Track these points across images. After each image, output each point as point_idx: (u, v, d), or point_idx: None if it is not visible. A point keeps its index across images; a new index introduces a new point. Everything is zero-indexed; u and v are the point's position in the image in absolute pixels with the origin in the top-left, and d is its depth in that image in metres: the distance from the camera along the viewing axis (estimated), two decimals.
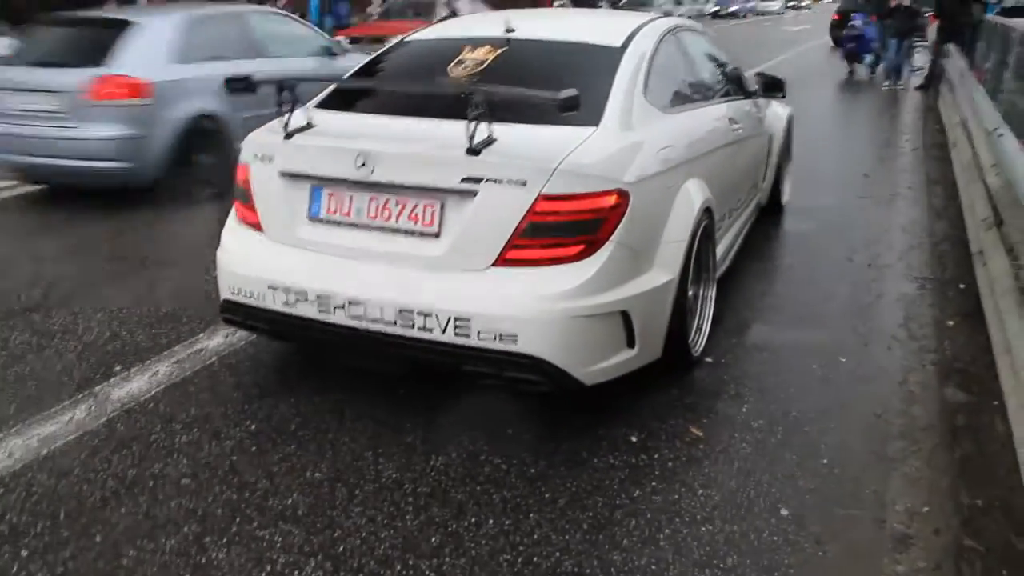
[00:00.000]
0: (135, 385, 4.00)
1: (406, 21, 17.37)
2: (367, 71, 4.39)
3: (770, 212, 6.57)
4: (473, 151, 3.18)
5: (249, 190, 3.70)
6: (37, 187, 7.90)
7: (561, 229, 3.19)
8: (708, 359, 4.11)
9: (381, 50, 4.64)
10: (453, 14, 16.95)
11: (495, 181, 3.17)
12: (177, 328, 4.65)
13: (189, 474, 3.26)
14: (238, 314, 3.74)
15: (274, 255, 3.59)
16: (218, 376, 4.07)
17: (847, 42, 17.48)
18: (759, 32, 34.21)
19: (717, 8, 45.39)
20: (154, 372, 4.13)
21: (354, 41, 16.10)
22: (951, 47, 13.69)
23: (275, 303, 3.52)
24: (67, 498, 3.13)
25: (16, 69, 7.26)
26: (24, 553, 2.84)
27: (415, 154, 3.33)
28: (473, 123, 3.17)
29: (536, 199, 3.14)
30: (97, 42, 7.16)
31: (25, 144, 6.99)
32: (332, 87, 4.14)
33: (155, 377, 4.07)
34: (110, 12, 9.42)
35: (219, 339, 4.47)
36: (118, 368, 4.19)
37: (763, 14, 54.39)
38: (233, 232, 3.84)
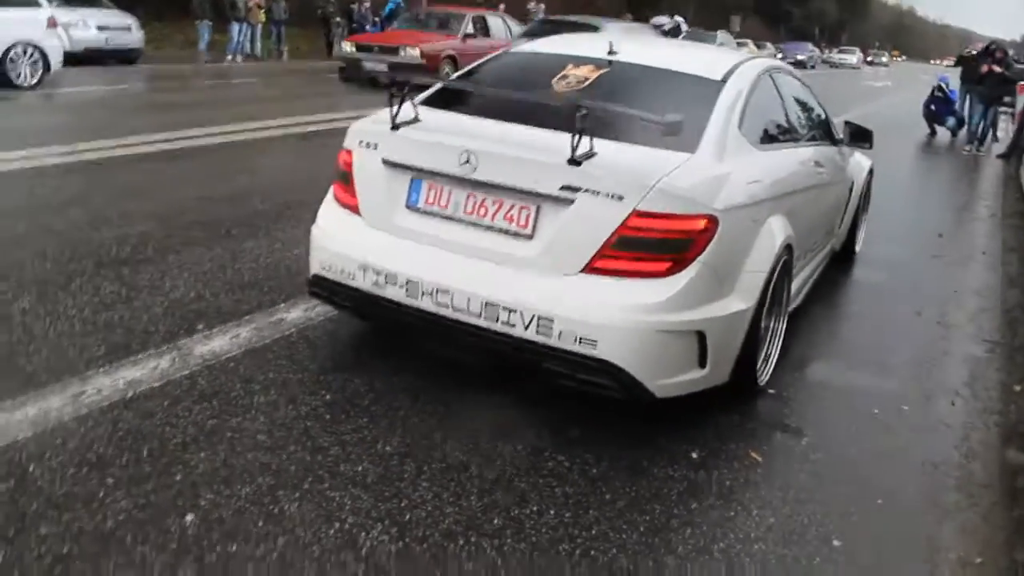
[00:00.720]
0: (217, 344, 4.20)
1: (420, 32, 18.03)
2: (472, 75, 4.58)
3: (842, 259, 6.63)
4: (575, 161, 3.34)
5: (351, 173, 3.89)
6: (127, 152, 8.23)
7: (650, 245, 3.32)
8: (771, 390, 4.20)
9: (486, 57, 4.82)
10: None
11: (593, 192, 3.31)
12: (258, 297, 4.86)
13: (265, 432, 3.44)
14: (325, 289, 3.93)
15: (369, 238, 3.77)
16: (296, 346, 4.25)
17: (931, 103, 17.37)
18: (838, 84, 34.01)
19: (781, 56, 44.79)
20: (235, 335, 4.33)
21: (362, 49, 16.91)
22: None
23: (364, 283, 3.70)
24: (150, 438, 3.33)
25: None
26: (110, 481, 3.03)
27: (518, 158, 3.49)
28: (577, 135, 3.32)
29: (630, 214, 3.29)
30: None
31: None
32: (438, 86, 4.33)
33: (236, 339, 4.27)
34: None
35: (298, 312, 4.66)
36: (201, 326, 4.40)
37: (837, 66, 54.09)
38: (330, 211, 4.03)
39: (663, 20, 31.83)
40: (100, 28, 16.68)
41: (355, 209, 3.86)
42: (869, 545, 3.08)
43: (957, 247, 8.05)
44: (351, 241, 3.80)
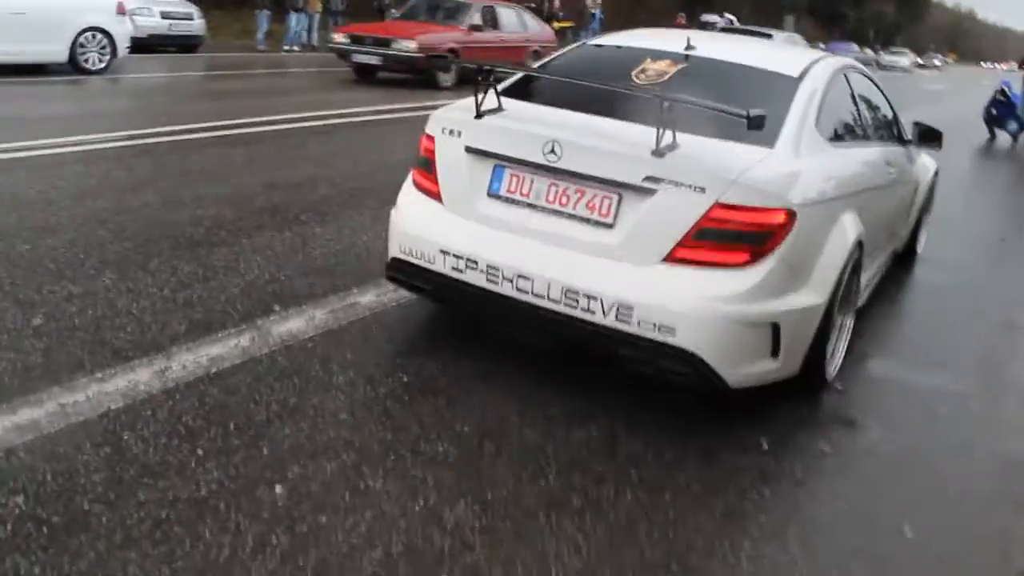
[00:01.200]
0: (294, 325, 4.32)
1: (420, 23, 16.53)
2: (551, 66, 4.66)
3: (905, 259, 6.62)
4: (658, 153, 3.41)
5: (432, 160, 3.98)
6: (195, 137, 8.43)
7: (731, 237, 3.38)
8: (838, 386, 4.23)
9: (564, 50, 4.90)
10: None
11: (675, 184, 3.38)
12: (331, 281, 4.98)
13: (346, 410, 3.54)
14: (404, 273, 4.03)
15: (449, 223, 3.86)
16: (370, 329, 4.36)
17: (991, 107, 17.15)
18: (893, 87, 33.57)
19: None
20: (311, 316, 4.45)
21: (355, 41, 15.60)
22: None
23: (444, 267, 3.79)
24: (236, 412, 3.45)
25: None
26: (200, 452, 3.15)
27: (602, 148, 3.56)
28: (661, 127, 3.39)
29: (712, 206, 3.35)
30: None
31: None
32: (519, 75, 4.41)
33: (312, 321, 4.39)
34: None
35: (371, 296, 4.78)
36: (277, 307, 4.52)
37: (887, 68, 53.21)
38: (410, 197, 4.13)
39: (714, 18, 31.75)
40: (164, 15, 16.99)
41: (436, 195, 3.95)
42: (941, 536, 3.12)
43: (1020, 251, 7.98)
44: (431, 226, 3.89)
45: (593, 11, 28.01)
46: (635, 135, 3.53)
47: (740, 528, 3.01)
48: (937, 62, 65.77)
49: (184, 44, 17.69)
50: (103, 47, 13.13)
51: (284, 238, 5.71)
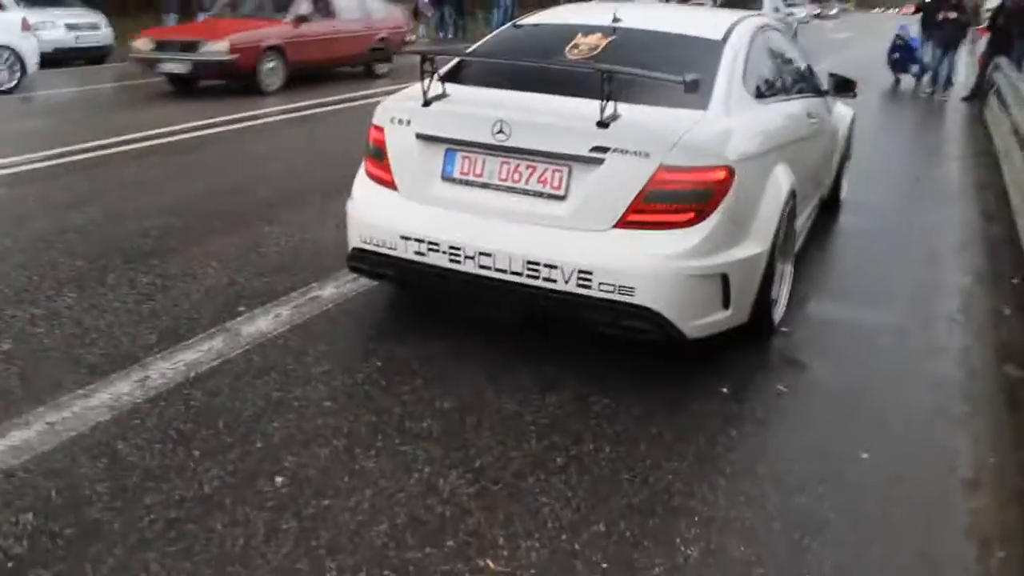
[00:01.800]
0: (262, 324, 4.43)
1: (235, 20, 13.93)
2: (487, 50, 4.81)
3: (830, 206, 6.93)
4: (603, 124, 3.61)
5: (384, 150, 4.11)
6: (124, 149, 8.38)
7: (677, 197, 3.59)
8: (784, 329, 4.50)
9: (499, 30, 5.05)
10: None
11: (621, 151, 3.58)
12: (290, 278, 5.08)
13: (329, 399, 3.68)
14: (366, 262, 4.16)
15: (407, 209, 4.00)
16: (337, 320, 4.49)
17: (894, 51, 17.73)
18: (801, 38, 34.35)
19: None
20: (277, 314, 4.55)
21: (161, 46, 12.89)
22: (1002, 60, 13.93)
23: (406, 252, 3.94)
24: (223, 412, 3.56)
25: None
26: (196, 453, 3.26)
27: (549, 124, 3.75)
28: (604, 99, 3.58)
29: (657, 169, 3.56)
30: None
31: None
32: (455, 61, 4.55)
33: (279, 318, 4.50)
34: None
35: (331, 289, 4.90)
36: (242, 309, 4.62)
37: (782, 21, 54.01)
38: (364, 187, 4.26)
39: None
40: (69, 27, 16.51)
41: (390, 183, 4.09)
42: (892, 456, 3.39)
43: (935, 188, 8.40)
44: (390, 214, 4.04)
45: None
46: (578, 109, 3.72)
47: (714, 468, 3.24)
48: (834, 11, 66.88)
49: (92, 55, 17.31)
50: (12, 65, 12.85)
51: (235, 242, 5.77)
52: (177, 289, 4.90)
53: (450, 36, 26.98)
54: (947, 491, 3.19)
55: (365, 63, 15.63)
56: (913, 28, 17.36)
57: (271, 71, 13.30)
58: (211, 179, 7.58)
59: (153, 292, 4.85)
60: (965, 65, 17.58)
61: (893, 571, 2.73)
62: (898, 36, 17.62)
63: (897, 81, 17.55)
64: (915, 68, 17.19)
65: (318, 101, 12.52)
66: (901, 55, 17.58)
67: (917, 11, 17.28)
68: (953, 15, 15.70)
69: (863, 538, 2.88)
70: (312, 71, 14.34)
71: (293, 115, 11.47)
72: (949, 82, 16.06)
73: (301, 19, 13.93)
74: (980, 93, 14.70)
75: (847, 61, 20.07)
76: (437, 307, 4.64)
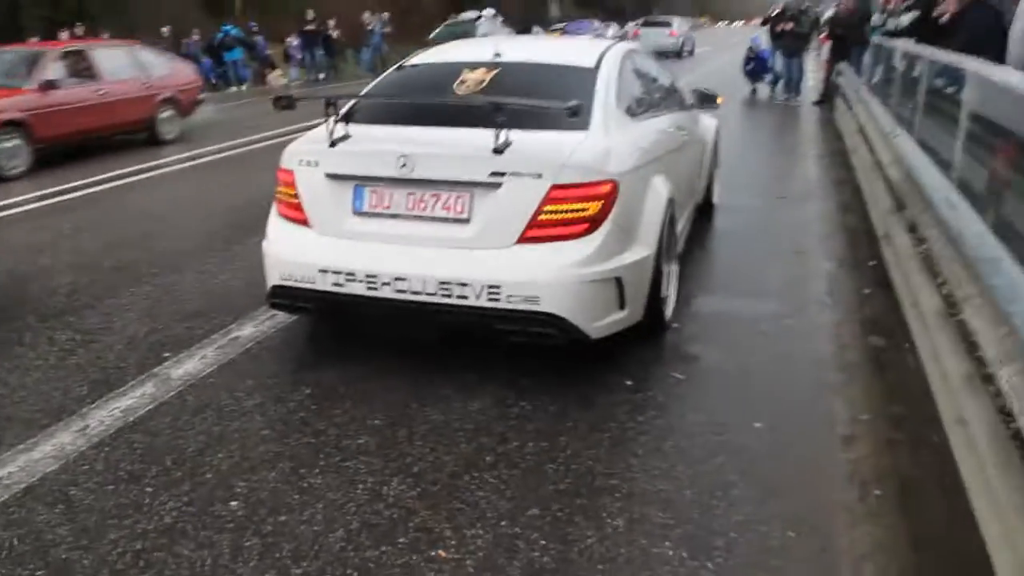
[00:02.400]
0: (190, 366, 4.60)
1: None
2: (381, 90, 5.11)
3: (705, 211, 7.46)
4: (498, 151, 3.96)
5: (295, 191, 4.37)
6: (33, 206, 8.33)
7: (570, 212, 3.96)
8: (675, 324, 4.92)
9: (386, 73, 5.37)
10: None
11: (517, 175, 3.93)
12: (208, 321, 5.25)
13: (267, 427, 3.90)
14: (287, 298, 4.40)
15: (323, 244, 4.26)
16: (260, 357, 4.70)
17: (748, 62, 18.79)
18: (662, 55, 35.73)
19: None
20: (202, 356, 4.73)
21: None
22: (844, 65, 15.01)
23: (326, 284, 4.20)
24: (168, 450, 3.74)
25: None
26: (150, 489, 3.44)
27: (449, 154, 4.09)
28: (498, 128, 3.94)
29: (550, 188, 3.92)
30: None
31: None
32: (352, 102, 4.82)
33: (204, 360, 4.68)
34: None
35: (250, 328, 5.09)
36: (167, 354, 4.78)
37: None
38: (279, 227, 4.50)
39: (476, 14, 32.75)
40: None
41: (304, 222, 4.35)
42: (782, 423, 3.82)
43: (795, 187, 9.07)
44: (306, 250, 4.29)
45: (371, 27, 28.28)
46: (474, 138, 4.06)
47: (627, 451, 3.61)
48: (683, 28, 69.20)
49: None
50: None
51: (146, 292, 5.90)
52: (98, 342, 5.01)
53: (321, 77, 27.11)
54: (830, 446, 3.63)
55: (147, 129, 13.17)
56: (764, 39, 18.43)
57: (10, 152, 10.75)
58: (109, 233, 7.61)
59: (74, 347, 4.95)
60: (812, 71, 18.71)
61: (791, 520, 3.13)
62: (750, 48, 18.73)
63: (754, 90, 18.56)
64: (768, 77, 18.25)
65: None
66: (755, 65, 18.69)
67: (765, 23, 18.33)
68: (790, 26, 16.93)
69: (762, 495, 3.28)
70: (75, 145, 11.97)
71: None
72: (798, 88, 17.14)
73: (48, 85, 11.38)
74: (828, 97, 15.74)
75: (709, 73, 21.08)
76: (355, 334, 4.90)
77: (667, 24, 38.21)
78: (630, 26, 42.81)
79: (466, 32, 27.52)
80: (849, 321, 5.05)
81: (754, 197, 8.44)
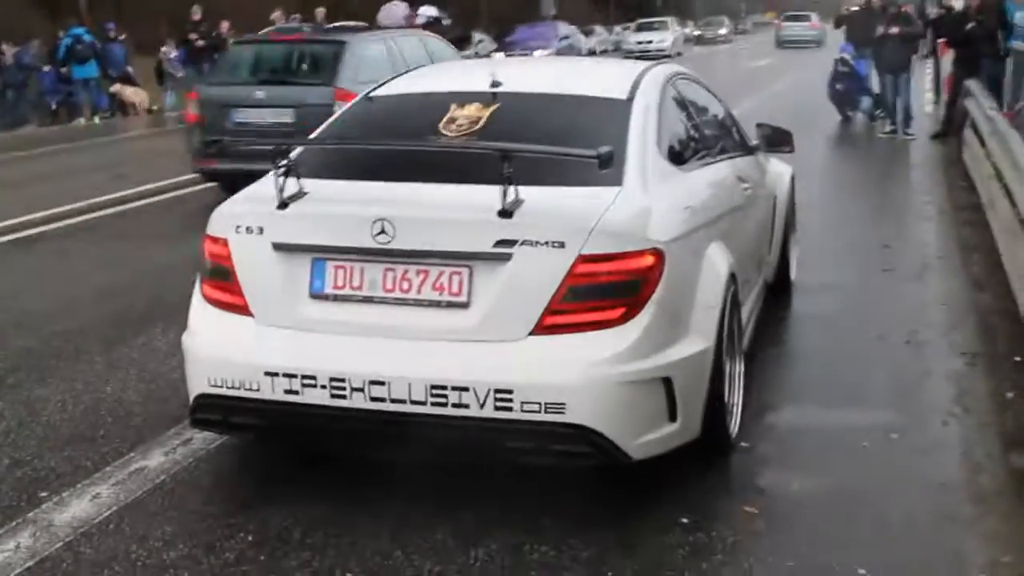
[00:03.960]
0: (78, 509, 5.00)
1: None
2: (341, 131, 5.65)
3: (778, 291, 8.00)
4: (506, 212, 4.43)
5: (229, 267, 4.84)
6: None
7: (602, 291, 4.46)
8: (743, 443, 5.41)
9: (348, 106, 5.91)
10: None
11: (531, 243, 4.41)
12: (95, 449, 5.68)
13: None
14: (218, 411, 4.85)
15: (269, 338, 4.73)
16: (178, 494, 5.12)
17: (836, 82, 19.33)
18: (712, 75, 36.84)
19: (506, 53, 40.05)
20: (94, 495, 5.14)
21: None
22: (973, 84, 15.40)
23: (274, 392, 4.64)
24: None
25: None
26: None
27: (441, 218, 4.58)
28: (505, 183, 4.41)
29: (575, 260, 4.41)
30: None
31: None
32: (300, 150, 5.30)
33: (98, 500, 5.09)
34: None
35: (159, 457, 5.52)
36: (44, 494, 5.18)
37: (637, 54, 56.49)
38: (205, 315, 4.97)
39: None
40: None
41: (242, 308, 4.81)
42: (896, 568, 4.29)
43: (908, 256, 9.68)
44: (246, 346, 4.75)
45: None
46: (473, 197, 4.56)
47: None
48: (723, 31, 71.31)
49: None
50: None
51: (0, 410, 6.33)
52: None
53: None
54: None
55: None
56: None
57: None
58: None
59: None
60: (928, 92, 19.43)
61: None
62: (840, 61, 19.24)
63: (846, 118, 19.15)
64: (866, 102, 18.80)
65: None
66: (847, 85, 19.21)
67: (839, 24, 18.98)
68: (895, 30, 17.12)
69: None
70: None
71: None
72: (908, 116, 17.56)
73: None
74: (952, 127, 16.29)
75: (775, 100, 21.77)
76: (314, 459, 5.33)
77: (807, 18, 60.77)
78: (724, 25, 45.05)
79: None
80: (984, 435, 5.55)
81: (847, 271, 9.03)
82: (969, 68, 16.10)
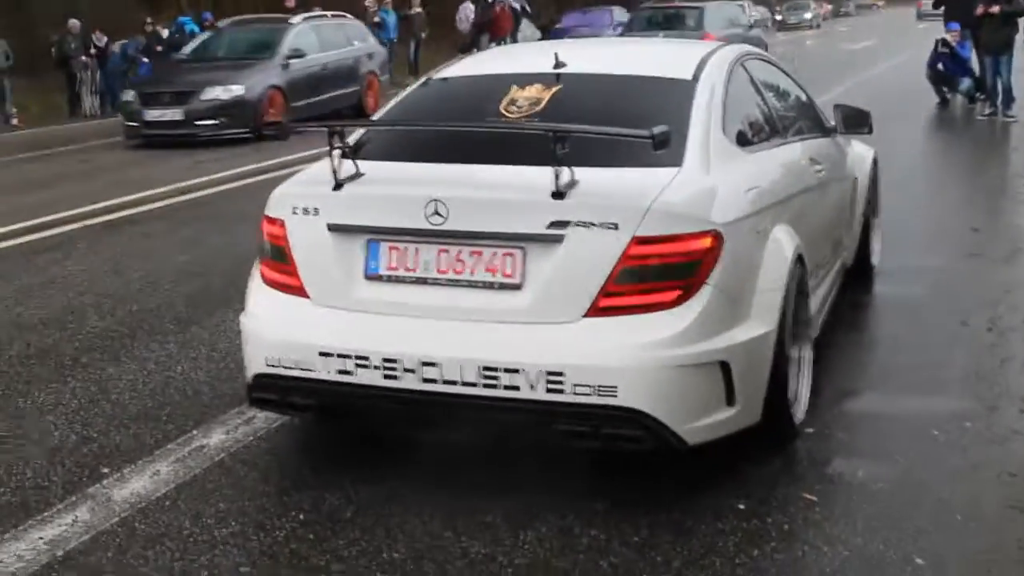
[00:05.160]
0: (137, 485, 5.09)
1: None
2: (401, 113, 5.68)
3: (858, 275, 7.92)
4: (559, 194, 4.43)
5: (286, 248, 4.90)
6: None
7: (657, 273, 4.44)
8: (809, 429, 5.35)
9: (408, 90, 5.95)
10: None
11: (584, 225, 4.41)
12: (159, 427, 5.78)
13: (247, 564, 4.37)
14: (274, 391, 4.92)
15: (324, 319, 4.77)
16: (236, 472, 5.20)
17: (935, 63, 19.08)
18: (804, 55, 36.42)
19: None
20: (154, 472, 5.24)
21: None
22: None
23: (328, 372, 4.69)
24: None
25: None
26: None
27: (496, 200, 4.60)
28: (558, 164, 4.41)
29: (630, 242, 4.39)
30: None
31: None
32: (362, 132, 5.39)
33: (158, 476, 5.18)
34: None
35: (219, 435, 5.61)
36: (106, 470, 5.29)
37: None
38: (263, 297, 5.04)
39: None
40: None
41: (298, 289, 4.87)
42: (956, 558, 4.21)
43: (998, 241, 9.50)
44: (302, 326, 4.81)
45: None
46: (527, 178, 4.57)
47: None
48: (808, 15, 68.90)
49: None
50: None
51: (72, 389, 6.46)
52: (10, 454, 5.52)
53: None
54: None
55: None
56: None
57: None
58: (12, 309, 8.26)
59: None
60: None
61: None
62: (941, 41, 18.98)
63: (944, 101, 18.89)
64: (965, 83, 18.53)
65: None
66: (947, 65, 18.95)
67: (939, 4, 18.68)
68: (996, 8, 16.87)
69: None
70: None
71: None
72: (1009, 98, 17.31)
73: None
74: None
75: (873, 83, 21.48)
76: (367, 439, 5.39)
77: None
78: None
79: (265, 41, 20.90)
80: None
81: (933, 255, 8.89)
82: None
